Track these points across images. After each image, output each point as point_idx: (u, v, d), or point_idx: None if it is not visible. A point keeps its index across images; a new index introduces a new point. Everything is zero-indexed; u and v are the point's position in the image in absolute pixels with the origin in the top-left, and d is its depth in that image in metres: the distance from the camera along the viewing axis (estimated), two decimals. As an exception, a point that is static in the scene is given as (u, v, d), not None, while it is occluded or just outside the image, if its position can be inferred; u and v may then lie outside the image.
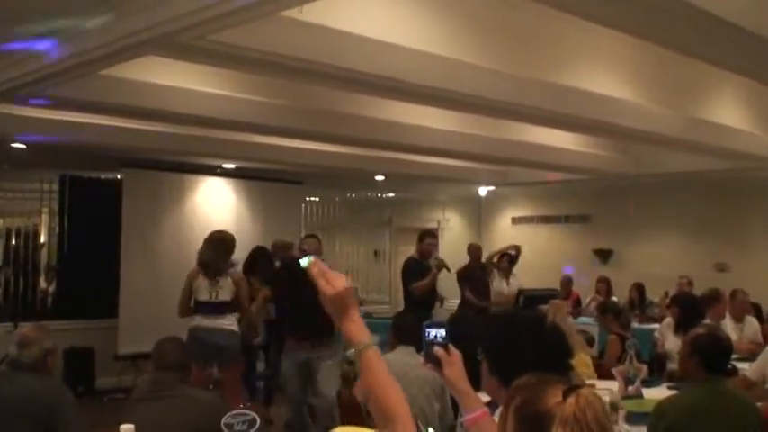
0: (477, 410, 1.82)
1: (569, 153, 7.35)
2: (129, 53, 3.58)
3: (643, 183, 9.21)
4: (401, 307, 6.93)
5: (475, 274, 7.94)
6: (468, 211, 12.16)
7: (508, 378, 1.52)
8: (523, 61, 4.20)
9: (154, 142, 6.54)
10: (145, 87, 4.54)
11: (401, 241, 11.02)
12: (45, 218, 8.21)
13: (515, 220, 11.82)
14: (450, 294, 8.15)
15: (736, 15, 3.07)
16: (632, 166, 8.24)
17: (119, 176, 7.86)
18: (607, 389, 3.60)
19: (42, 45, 3.64)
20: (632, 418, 3.37)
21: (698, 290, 6.86)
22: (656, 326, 6.56)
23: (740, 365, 4.41)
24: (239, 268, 5.70)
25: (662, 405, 2.98)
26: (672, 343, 5.18)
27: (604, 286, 9.00)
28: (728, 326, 5.54)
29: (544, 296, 6.83)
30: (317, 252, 5.28)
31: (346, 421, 4.17)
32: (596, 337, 6.45)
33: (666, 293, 7.61)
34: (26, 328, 3.24)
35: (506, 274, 8.29)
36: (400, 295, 7.07)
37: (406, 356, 3.66)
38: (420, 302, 6.48)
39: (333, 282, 1.54)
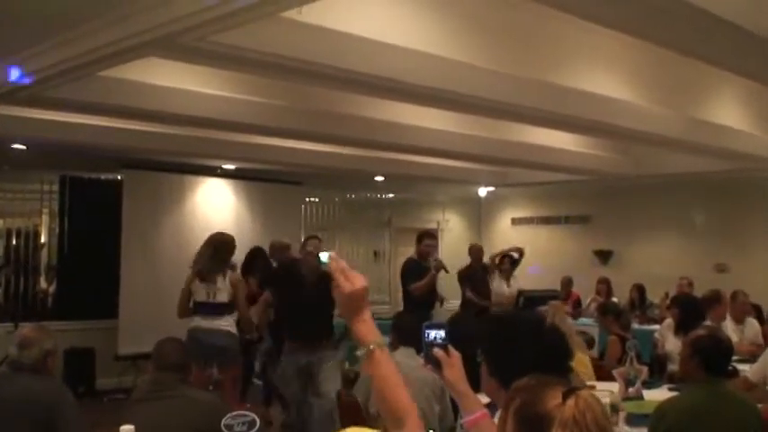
0: (477, 412, 1.82)
1: (569, 154, 7.35)
2: (129, 54, 3.58)
3: (643, 183, 9.21)
4: (401, 307, 6.93)
5: (476, 274, 7.95)
6: (467, 211, 12.16)
7: (507, 380, 1.52)
8: (523, 62, 4.20)
9: (154, 143, 6.54)
10: (145, 88, 4.54)
11: (401, 242, 11.02)
12: (45, 218, 8.21)
13: (515, 221, 11.82)
14: (451, 295, 8.15)
15: (734, 15, 3.07)
16: (632, 167, 8.24)
17: (119, 177, 7.87)
18: (607, 390, 3.60)
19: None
20: (633, 420, 3.38)
21: (698, 291, 6.86)
22: (656, 327, 6.55)
23: (741, 367, 4.40)
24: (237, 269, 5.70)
25: (662, 406, 2.98)
26: (672, 344, 5.17)
27: (604, 287, 8.99)
28: (729, 327, 5.53)
29: (544, 297, 6.82)
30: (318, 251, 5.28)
31: (346, 421, 4.16)
32: (596, 339, 6.44)
33: (667, 294, 7.61)
34: (26, 328, 3.24)
35: (507, 275, 8.28)
36: (400, 296, 7.07)
37: (406, 358, 3.65)
38: (419, 303, 6.48)
39: (352, 279, 1.53)
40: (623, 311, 5.90)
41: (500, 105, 4.53)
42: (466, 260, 8.21)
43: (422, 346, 1.86)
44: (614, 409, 3.34)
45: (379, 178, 9.37)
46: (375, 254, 11.10)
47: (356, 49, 3.53)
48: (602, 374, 4.55)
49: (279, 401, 6.12)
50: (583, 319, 8.07)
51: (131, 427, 2.42)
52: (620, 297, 8.72)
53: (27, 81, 3.80)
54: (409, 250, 7.25)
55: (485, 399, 1.97)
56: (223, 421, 2.19)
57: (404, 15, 3.68)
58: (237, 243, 5.60)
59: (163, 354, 3.10)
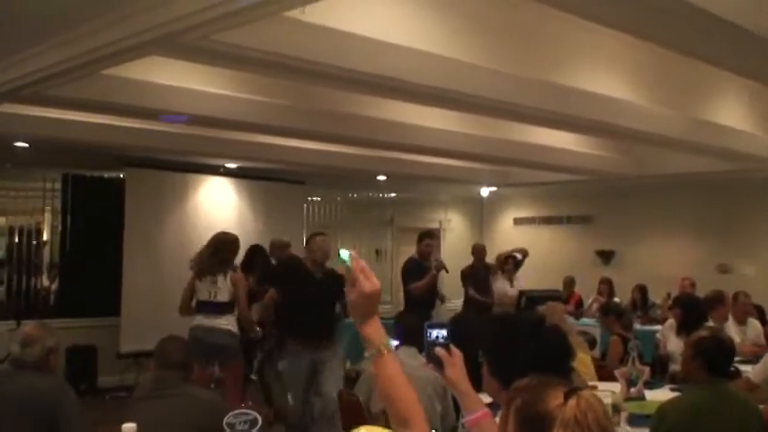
0: (479, 411, 1.82)
1: (571, 154, 7.34)
2: (132, 53, 3.58)
3: (645, 184, 9.21)
4: (402, 307, 6.94)
5: (479, 274, 7.97)
6: (469, 211, 12.16)
7: (509, 380, 1.52)
8: (525, 61, 4.20)
9: (156, 141, 6.55)
10: (148, 87, 4.54)
11: (403, 241, 11.02)
12: (48, 216, 8.22)
13: (517, 221, 11.81)
14: (453, 294, 8.15)
15: (734, 15, 3.07)
16: (634, 167, 8.24)
17: (121, 175, 7.87)
18: (609, 391, 3.60)
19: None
20: (634, 420, 3.37)
21: (700, 291, 6.85)
22: (658, 327, 6.54)
23: (743, 368, 4.40)
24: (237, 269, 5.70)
25: (664, 407, 2.98)
26: (674, 345, 5.17)
27: (606, 287, 8.99)
28: (731, 328, 5.52)
29: (546, 297, 6.81)
30: (329, 248, 5.31)
31: (347, 421, 4.17)
32: (598, 339, 6.44)
33: (669, 295, 7.61)
34: (29, 326, 3.24)
35: (510, 276, 8.29)
36: (402, 295, 7.09)
37: (408, 357, 3.65)
38: (419, 303, 6.50)
39: (371, 279, 1.52)
40: (625, 312, 5.90)
41: (502, 105, 4.53)
42: (468, 260, 8.22)
43: (424, 346, 1.87)
44: (616, 409, 3.34)
45: (382, 178, 9.38)
46: (377, 253, 11.10)
47: (359, 49, 3.53)
48: (604, 375, 4.55)
49: (266, 402, 6.09)
50: (585, 320, 8.06)
51: (133, 425, 2.43)
52: (622, 297, 8.71)
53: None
54: (411, 249, 7.25)
55: (487, 398, 1.97)
56: (225, 420, 2.20)
57: (406, 15, 3.68)
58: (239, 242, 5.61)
59: (165, 352, 3.11)
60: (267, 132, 6.24)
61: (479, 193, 11.05)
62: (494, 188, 10.60)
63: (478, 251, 8.25)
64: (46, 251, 8.32)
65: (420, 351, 3.40)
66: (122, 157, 7.59)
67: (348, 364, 6.76)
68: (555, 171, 8.29)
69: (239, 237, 5.69)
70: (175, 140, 6.58)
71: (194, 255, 5.45)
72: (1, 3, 3.36)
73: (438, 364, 1.83)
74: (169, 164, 7.85)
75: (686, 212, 9.66)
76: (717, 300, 5.56)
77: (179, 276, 5.67)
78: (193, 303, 5.39)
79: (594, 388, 3.57)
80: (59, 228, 7.96)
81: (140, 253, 7.59)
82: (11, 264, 7.85)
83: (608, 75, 4.69)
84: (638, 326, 7.03)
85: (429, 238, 7.05)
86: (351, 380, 5.54)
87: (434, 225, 11.20)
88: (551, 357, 1.89)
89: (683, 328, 4.99)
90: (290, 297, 5.26)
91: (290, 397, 5.25)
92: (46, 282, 8.22)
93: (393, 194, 11.17)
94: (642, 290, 8.67)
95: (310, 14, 3.18)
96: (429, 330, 1.85)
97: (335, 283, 5.23)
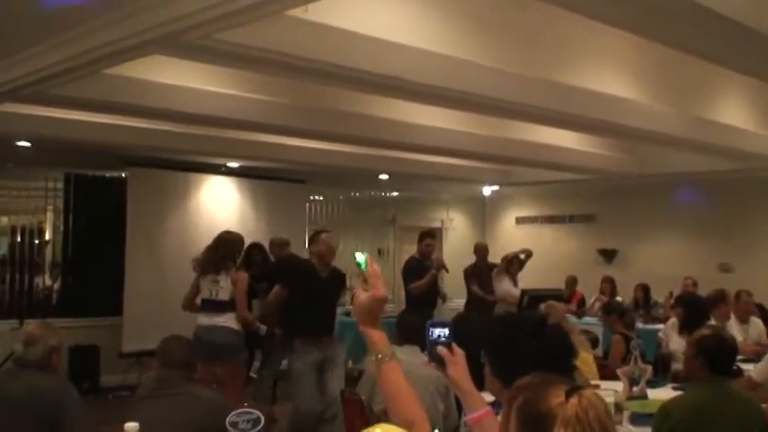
0: (481, 410, 1.82)
1: (574, 153, 7.34)
2: (134, 52, 3.58)
3: (648, 183, 9.19)
4: (404, 306, 6.95)
5: (482, 272, 7.98)
6: (472, 210, 12.15)
7: (510, 380, 1.52)
8: (529, 61, 4.20)
9: (158, 141, 6.56)
10: (150, 86, 4.55)
11: (405, 240, 11.01)
12: (50, 216, 8.23)
13: (519, 220, 11.80)
14: (455, 293, 8.15)
15: (736, 12, 3.06)
16: (637, 166, 8.23)
17: (123, 175, 7.88)
18: (612, 389, 3.60)
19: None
20: (637, 419, 3.38)
21: (702, 290, 6.84)
22: (660, 326, 6.54)
23: (745, 367, 4.40)
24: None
25: (666, 406, 2.97)
26: (676, 343, 5.16)
27: (609, 286, 8.99)
28: (733, 327, 5.52)
29: (548, 296, 6.80)
30: (336, 246, 5.35)
31: (346, 421, 4.17)
32: (600, 338, 6.44)
33: (671, 294, 7.60)
34: (31, 325, 3.25)
35: (513, 276, 8.29)
36: (403, 293, 7.11)
37: (410, 356, 3.65)
38: (420, 302, 6.51)
39: (383, 286, 1.57)
40: (627, 310, 5.90)
41: (505, 104, 4.52)
42: (470, 259, 8.22)
43: (426, 344, 1.86)
44: (618, 408, 3.34)
45: (384, 177, 9.37)
46: (379, 252, 11.10)
47: (361, 48, 3.53)
48: (607, 373, 4.55)
49: (254, 399, 6.03)
50: (587, 319, 8.06)
51: (136, 424, 2.43)
52: (624, 296, 8.71)
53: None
54: (413, 248, 7.27)
55: (489, 397, 1.97)
56: (228, 419, 2.19)
57: (409, 14, 3.68)
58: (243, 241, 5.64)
59: (168, 351, 3.11)
60: (269, 131, 6.24)
61: (482, 192, 11.04)
62: (496, 187, 10.59)
63: (481, 250, 8.26)
64: (48, 250, 8.33)
65: (422, 350, 3.40)
66: (124, 157, 7.60)
67: (350, 363, 6.76)
68: (557, 170, 8.29)
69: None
70: (177, 140, 6.59)
71: (197, 254, 5.46)
72: (1, 3, 3.36)
73: (440, 362, 1.83)
74: (171, 163, 7.85)
75: (688, 212, 9.63)
76: (719, 298, 5.56)
77: (181, 275, 5.67)
78: (198, 301, 5.41)
79: (597, 387, 3.57)
80: (62, 227, 7.98)
81: (143, 252, 7.59)
82: (13, 263, 7.87)
83: (612, 74, 4.68)
84: (640, 325, 7.02)
85: (430, 237, 7.06)
86: (353, 379, 5.53)
87: (437, 224, 11.20)
88: (554, 356, 1.88)
89: (686, 327, 4.99)
90: (304, 294, 5.21)
91: (297, 396, 5.17)
92: (48, 281, 8.24)
93: (395, 193, 11.17)
94: (644, 289, 8.67)
95: (312, 13, 3.18)
96: (431, 329, 1.85)
97: (340, 281, 5.40)
